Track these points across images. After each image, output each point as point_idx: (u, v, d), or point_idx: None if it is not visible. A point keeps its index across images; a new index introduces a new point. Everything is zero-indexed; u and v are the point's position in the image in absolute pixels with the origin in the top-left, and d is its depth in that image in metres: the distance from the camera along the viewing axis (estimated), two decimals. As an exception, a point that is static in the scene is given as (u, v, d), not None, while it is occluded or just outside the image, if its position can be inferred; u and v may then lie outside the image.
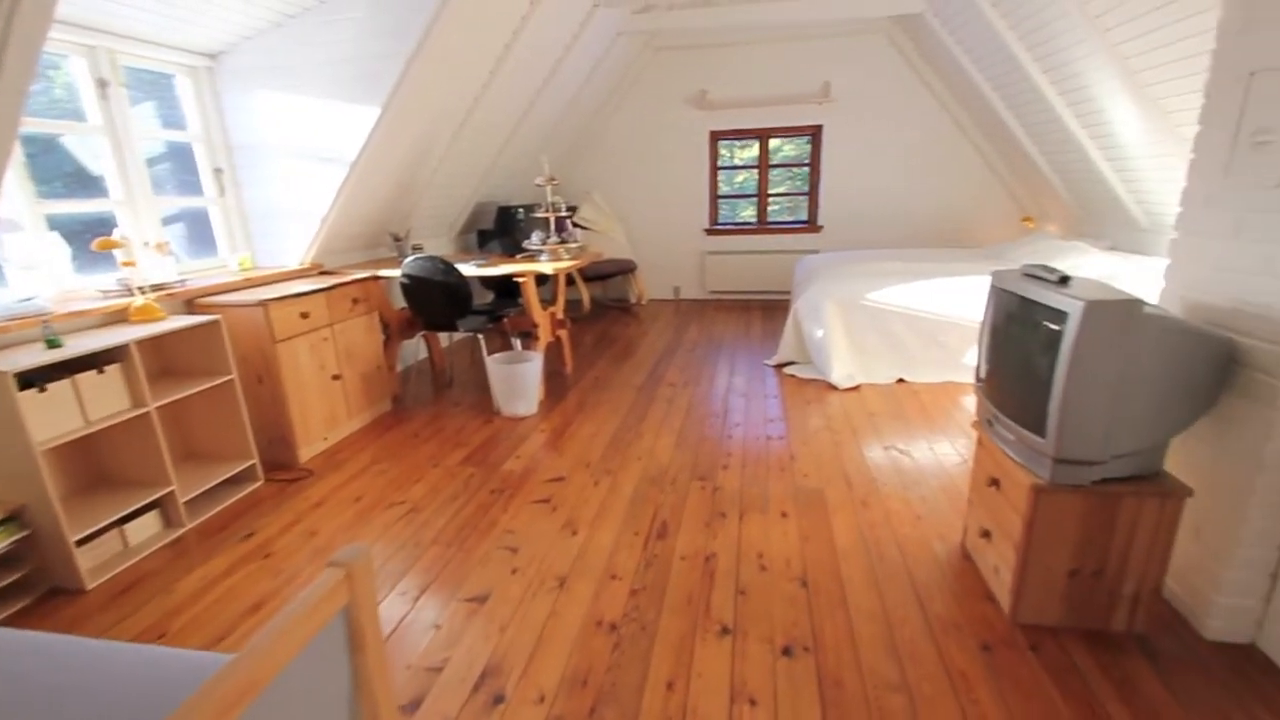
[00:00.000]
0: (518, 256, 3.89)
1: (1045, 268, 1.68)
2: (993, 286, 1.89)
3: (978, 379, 1.99)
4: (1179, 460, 1.73)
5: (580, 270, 5.74)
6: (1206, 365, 1.53)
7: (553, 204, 3.72)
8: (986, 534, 1.88)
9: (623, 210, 6.53)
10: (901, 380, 3.86)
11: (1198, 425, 1.67)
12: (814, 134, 6.15)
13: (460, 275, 3.34)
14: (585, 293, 5.74)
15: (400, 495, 2.62)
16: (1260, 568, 1.56)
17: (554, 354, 4.39)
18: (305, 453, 2.99)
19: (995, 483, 1.83)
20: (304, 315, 2.94)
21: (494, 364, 3.40)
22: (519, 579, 2.04)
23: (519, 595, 1.96)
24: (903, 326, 3.87)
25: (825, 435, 3.10)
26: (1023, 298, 1.69)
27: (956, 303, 3.81)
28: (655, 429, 3.24)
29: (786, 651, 1.68)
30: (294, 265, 3.51)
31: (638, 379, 4.07)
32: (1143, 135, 3.50)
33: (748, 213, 6.60)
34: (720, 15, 5.00)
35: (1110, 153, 4.03)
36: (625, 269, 6.08)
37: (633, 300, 6.49)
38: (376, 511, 2.50)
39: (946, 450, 2.89)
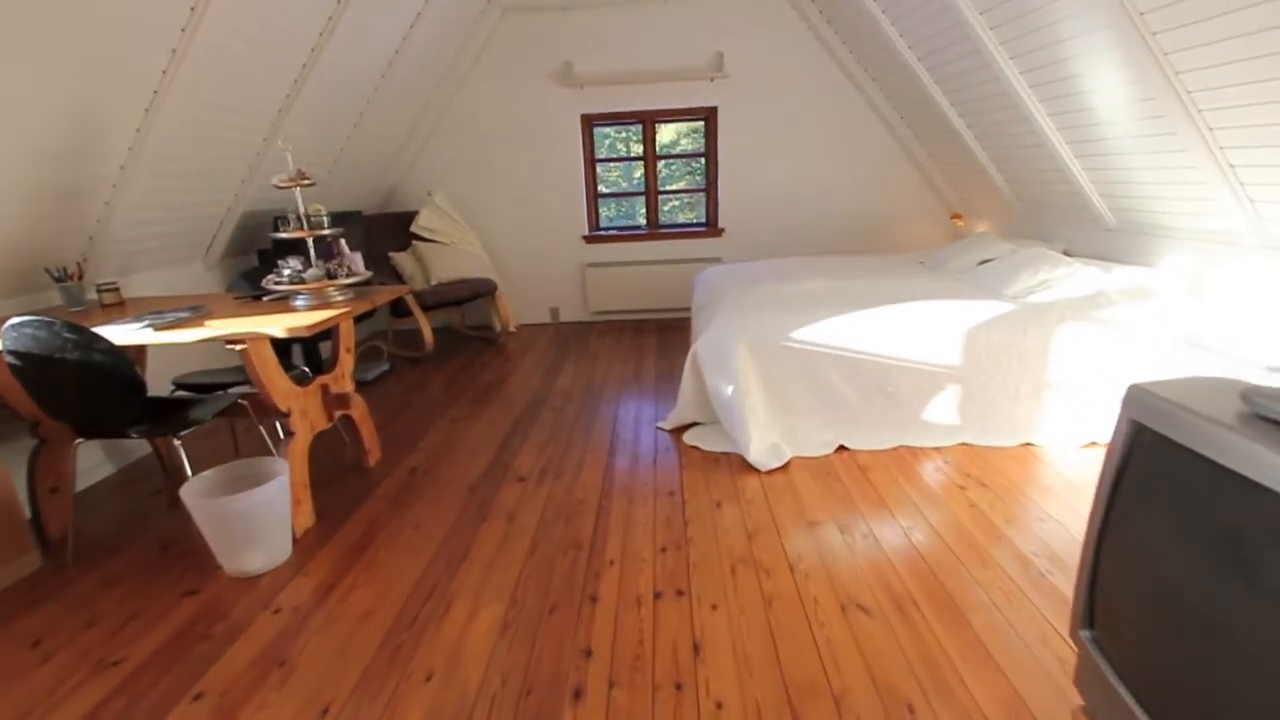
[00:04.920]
0: (264, 300, 2.47)
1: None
2: (1132, 424, 0.78)
3: (1081, 628, 0.88)
4: None
5: (417, 297, 4.34)
6: None
7: (308, 216, 2.34)
8: None
9: (479, 215, 5.16)
10: (843, 448, 2.80)
11: None
12: (708, 117, 5.06)
13: (112, 349, 1.90)
14: (426, 326, 4.33)
15: None
16: None
17: (355, 436, 3.00)
18: None
19: None
20: None
21: (194, 496, 1.98)
22: None
23: None
24: (839, 374, 2.81)
25: (747, 576, 1.95)
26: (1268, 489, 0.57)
27: (904, 336, 2.79)
28: (476, 586, 1.97)
29: None
30: None
31: (474, 469, 2.77)
32: (1138, 112, 2.60)
33: (643, 214, 5.42)
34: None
35: (1072, 134, 3.17)
36: (483, 291, 4.73)
37: (497, 329, 5.15)
38: None
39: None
